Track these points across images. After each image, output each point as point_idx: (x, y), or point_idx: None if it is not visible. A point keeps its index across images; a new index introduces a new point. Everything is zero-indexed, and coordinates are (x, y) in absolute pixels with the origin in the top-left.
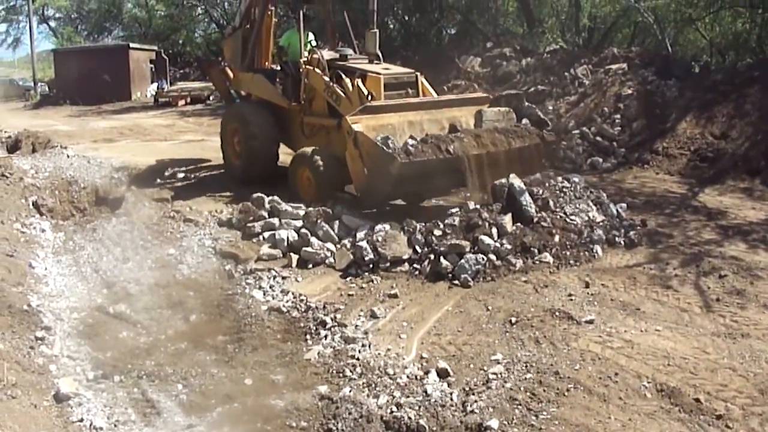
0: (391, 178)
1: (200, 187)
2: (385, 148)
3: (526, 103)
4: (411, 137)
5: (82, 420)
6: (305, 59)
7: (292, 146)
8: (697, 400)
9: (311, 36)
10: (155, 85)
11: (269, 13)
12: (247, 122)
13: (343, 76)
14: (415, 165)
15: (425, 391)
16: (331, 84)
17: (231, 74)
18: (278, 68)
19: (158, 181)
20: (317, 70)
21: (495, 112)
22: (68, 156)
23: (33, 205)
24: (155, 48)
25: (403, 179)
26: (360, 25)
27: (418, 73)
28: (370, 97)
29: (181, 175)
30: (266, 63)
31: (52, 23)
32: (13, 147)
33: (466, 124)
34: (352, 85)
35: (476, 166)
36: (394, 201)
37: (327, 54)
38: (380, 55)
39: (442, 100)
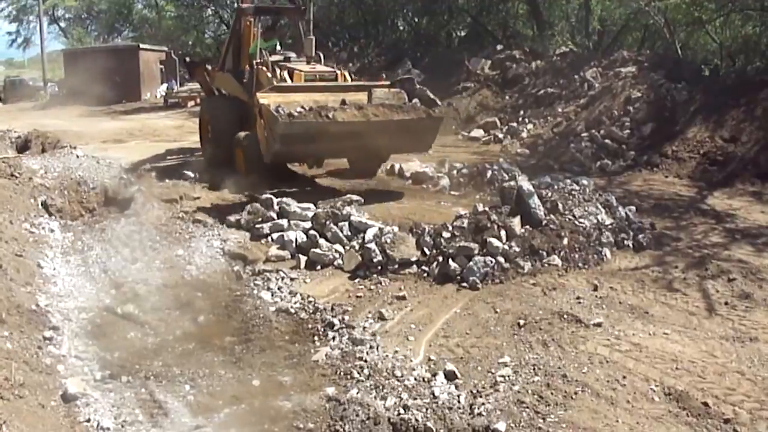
0: (278, 137)
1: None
2: (274, 113)
3: (417, 86)
4: (301, 107)
5: (89, 420)
6: (258, 60)
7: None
8: (705, 403)
9: (276, 42)
10: (165, 85)
11: (248, 24)
12: (216, 113)
13: (278, 71)
14: (297, 125)
15: (433, 393)
16: (269, 76)
17: (208, 74)
18: (246, 70)
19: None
20: (263, 68)
21: (385, 92)
22: (77, 156)
23: (42, 205)
24: (165, 49)
25: (289, 138)
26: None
27: (339, 71)
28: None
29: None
30: (246, 66)
31: (62, 24)
32: (23, 147)
33: (357, 100)
34: (278, 75)
35: (357, 132)
36: (294, 164)
37: (274, 57)
38: (320, 56)
39: (345, 85)
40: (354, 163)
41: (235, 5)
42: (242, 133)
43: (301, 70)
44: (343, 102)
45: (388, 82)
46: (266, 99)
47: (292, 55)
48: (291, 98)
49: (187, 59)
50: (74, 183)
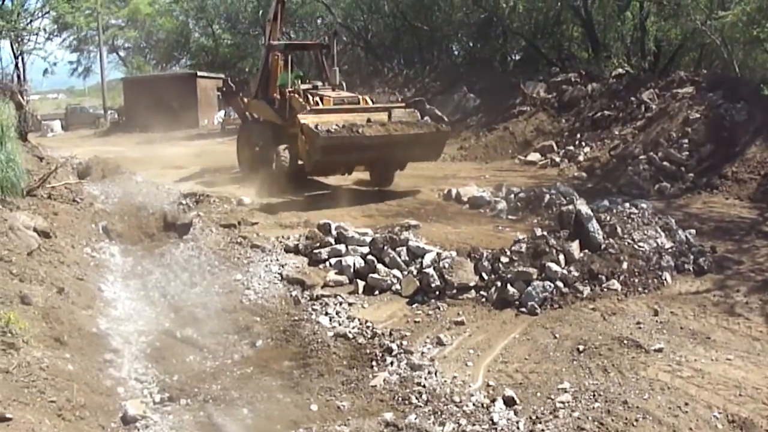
0: (320, 149)
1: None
2: (315, 129)
3: (428, 106)
4: (336, 125)
5: None
6: (290, 89)
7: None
8: None
9: (301, 73)
10: (222, 112)
11: (275, 58)
12: (252, 135)
13: (310, 98)
14: (334, 140)
15: (492, 420)
16: (303, 103)
17: (244, 101)
18: (279, 97)
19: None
20: (296, 95)
21: (402, 111)
22: (137, 182)
23: (103, 230)
24: (222, 76)
25: (328, 150)
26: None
27: (360, 97)
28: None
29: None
30: (274, 94)
31: (122, 53)
32: (84, 173)
33: (380, 119)
34: (312, 101)
35: (381, 144)
36: (333, 175)
37: (304, 86)
38: (343, 84)
39: (369, 107)
40: (373, 174)
41: (291, 34)
42: (281, 148)
43: (330, 96)
44: (369, 120)
45: (403, 104)
46: (306, 119)
47: (319, 83)
48: (325, 118)
49: (224, 89)
50: (134, 208)
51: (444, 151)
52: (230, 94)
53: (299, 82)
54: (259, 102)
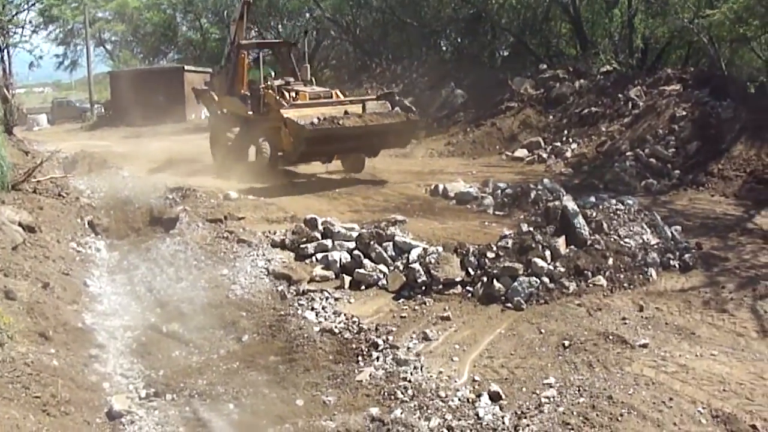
0: (304, 140)
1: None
2: (299, 123)
3: (397, 98)
4: (317, 117)
5: None
6: (264, 85)
7: (253, 144)
8: (754, 426)
9: (270, 70)
10: None
11: (242, 56)
12: (225, 130)
13: (285, 93)
14: (318, 131)
15: (477, 415)
16: (278, 98)
17: (216, 98)
18: (248, 93)
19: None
20: (270, 91)
21: (374, 103)
22: (123, 176)
23: (88, 224)
24: (210, 70)
25: (313, 141)
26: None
27: (332, 91)
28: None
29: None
30: (242, 90)
31: (109, 46)
32: (70, 167)
33: (356, 111)
34: (289, 97)
35: (359, 134)
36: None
37: (277, 81)
38: (313, 80)
39: (344, 100)
40: (346, 162)
41: (279, 28)
42: (261, 140)
43: (305, 91)
44: (346, 112)
45: (374, 97)
46: (289, 114)
47: (291, 79)
48: (306, 112)
49: (194, 87)
50: (120, 203)
51: (431, 146)
52: (201, 91)
53: (272, 78)
54: (231, 98)
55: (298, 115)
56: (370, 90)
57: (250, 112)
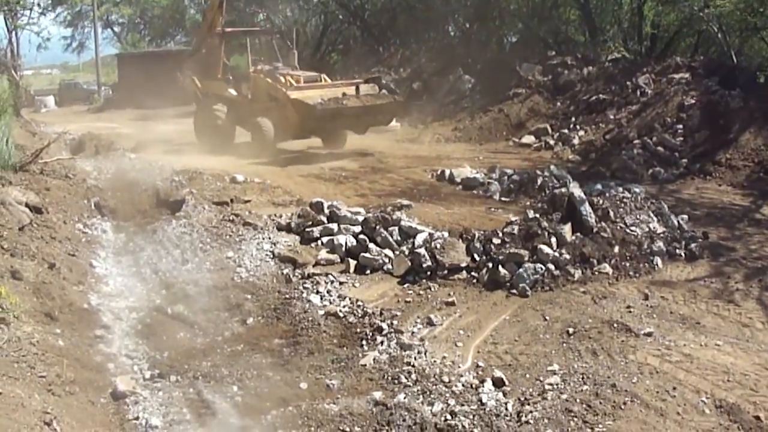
0: (314, 120)
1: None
2: (309, 102)
3: (383, 82)
4: (320, 99)
5: (137, 418)
6: (253, 70)
7: (242, 124)
8: (757, 417)
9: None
10: None
11: (222, 42)
12: (212, 112)
13: (280, 77)
14: (327, 111)
15: (480, 400)
16: (271, 81)
17: (198, 82)
18: (231, 78)
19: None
20: (261, 75)
21: (366, 86)
22: (130, 158)
23: (95, 206)
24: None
25: (320, 119)
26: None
27: (321, 75)
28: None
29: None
30: (219, 75)
31: (116, 28)
32: (77, 149)
33: (351, 93)
34: (287, 80)
35: (357, 113)
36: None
37: (266, 67)
38: (297, 66)
39: (340, 83)
40: (326, 141)
41: (287, 11)
42: (260, 119)
43: (298, 75)
44: (344, 94)
45: (362, 80)
46: (295, 95)
47: (279, 65)
48: (309, 93)
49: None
50: (127, 184)
51: (438, 132)
52: (185, 75)
53: (262, 63)
54: (218, 82)
55: (304, 96)
56: (378, 75)
57: (235, 94)
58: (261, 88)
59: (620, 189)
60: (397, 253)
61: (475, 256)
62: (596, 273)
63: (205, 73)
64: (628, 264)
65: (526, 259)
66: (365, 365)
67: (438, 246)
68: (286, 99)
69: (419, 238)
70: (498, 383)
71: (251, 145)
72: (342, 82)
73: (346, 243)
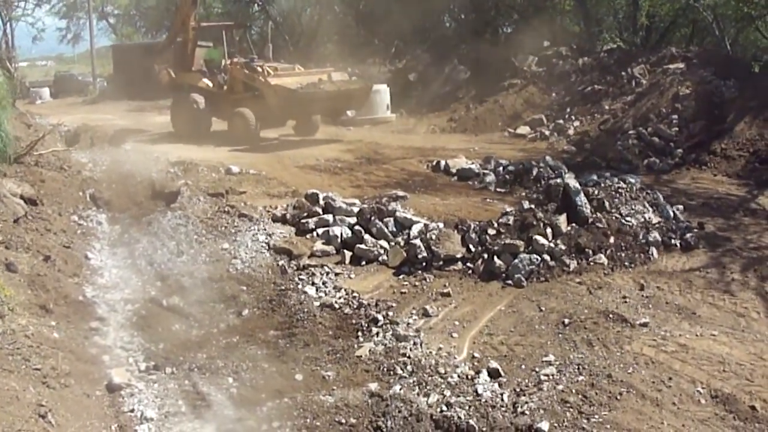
0: (295, 104)
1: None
2: (291, 87)
3: (349, 69)
4: (299, 84)
5: (133, 410)
6: (230, 62)
7: (217, 114)
8: (753, 407)
9: (222, 50)
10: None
11: (194, 36)
12: (188, 102)
13: (257, 68)
14: (308, 95)
15: (476, 391)
16: (249, 72)
17: (173, 74)
18: (205, 70)
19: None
20: (238, 66)
21: (338, 73)
22: (125, 150)
23: (90, 197)
24: (211, 45)
25: (300, 103)
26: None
27: (295, 65)
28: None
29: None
30: (192, 67)
31: (112, 20)
32: (72, 140)
33: (325, 80)
34: (265, 70)
35: (333, 97)
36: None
37: (243, 59)
38: (271, 58)
39: (314, 71)
40: (299, 127)
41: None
42: (241, 109)
43: (275, 65)
44: (320, 80)
45: (333, 69)
46: (276, 81)
47: (255, 57)
48: (289, 80)
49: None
50: (122, 176)
51: (433, 122)
52: (161, 68)
53: (238, 56)
54: (194, 74)
55: (284, 82)
56: (373, 65)
57: (211, 85)
58: (238, 79)
59: (615, 179)
60: (393, 244)
61: (471, 247)
62: (591, 263)
63: (179, 65)
64: (623, 254)
65: (522, 249)
66: (361, 356)
67: (433, 237)
68: (267, 86)
69: (414, 229)
70: (494, 374)
71: (230, 134)
72: (315, 70)
73: (341, 234)
